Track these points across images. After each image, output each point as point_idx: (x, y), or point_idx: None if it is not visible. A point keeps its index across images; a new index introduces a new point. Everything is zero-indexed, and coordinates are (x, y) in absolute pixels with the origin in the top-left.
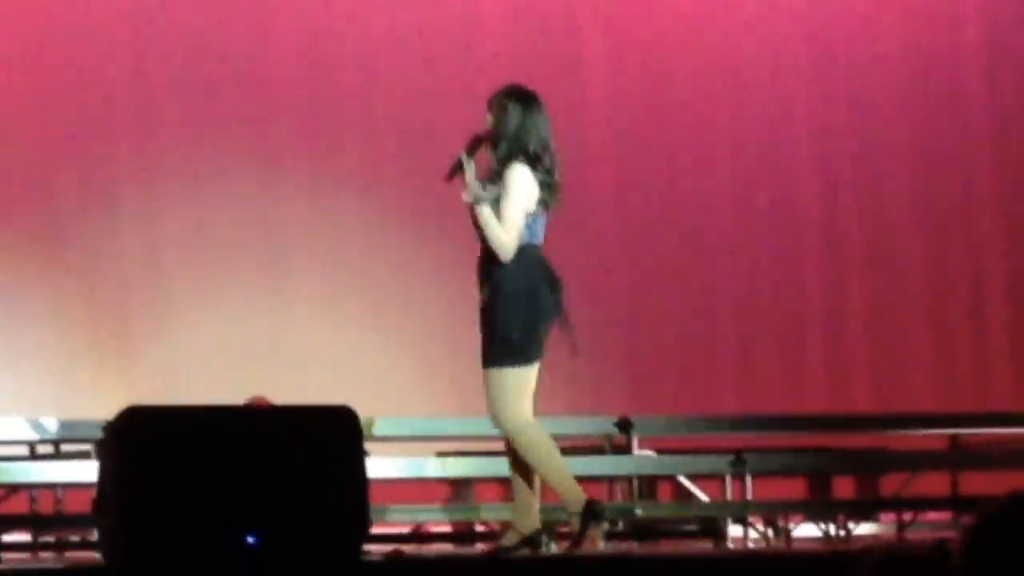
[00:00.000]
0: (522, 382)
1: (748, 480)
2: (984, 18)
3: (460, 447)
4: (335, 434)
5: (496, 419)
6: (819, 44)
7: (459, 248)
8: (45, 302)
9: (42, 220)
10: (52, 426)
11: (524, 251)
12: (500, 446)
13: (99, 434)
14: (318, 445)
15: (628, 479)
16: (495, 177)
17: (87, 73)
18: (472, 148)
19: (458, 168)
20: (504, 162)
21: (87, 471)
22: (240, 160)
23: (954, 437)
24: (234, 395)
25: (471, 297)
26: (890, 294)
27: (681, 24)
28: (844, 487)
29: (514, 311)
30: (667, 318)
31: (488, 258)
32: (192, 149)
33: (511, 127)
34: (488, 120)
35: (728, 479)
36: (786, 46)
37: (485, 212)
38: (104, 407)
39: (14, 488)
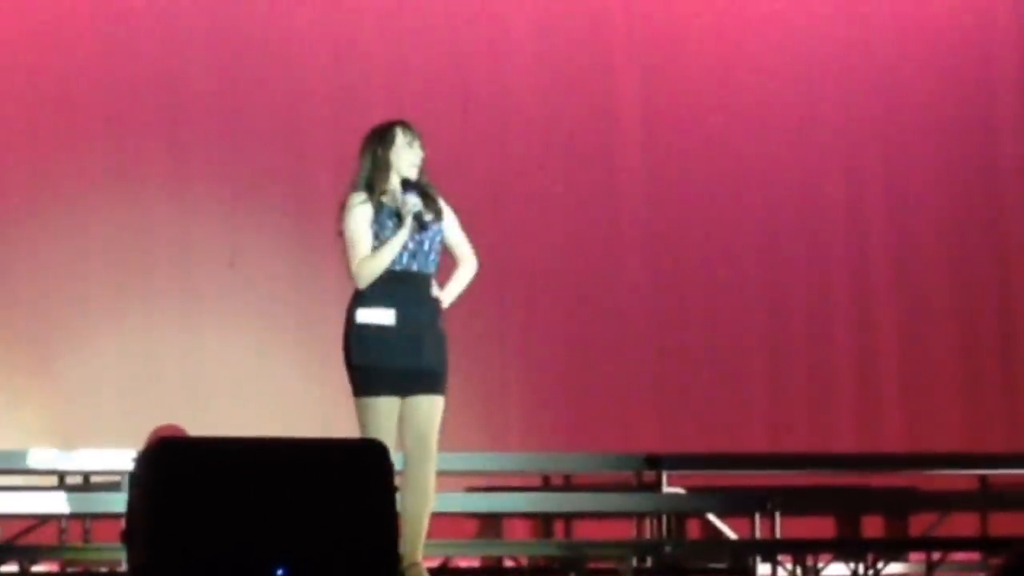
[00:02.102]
0: None
1: (777, 518)
2: (1019, 57)
3: (489, 482)
4: (366, 468)
5: (433, 447)
6: (851, 89)
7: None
8: None
9: None
10: (82, 457)
11: None
12: (529, 482)
13: (129, 465)
14: (349, 478)
15: (657, 516)
16: (421, 220)
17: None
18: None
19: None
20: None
21: (116, 502)
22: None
23: (983, 477)
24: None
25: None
26: (920, 334)
27: (713, 73)
28: (873, 526)
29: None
30: (697, 356)
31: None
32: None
33: None
34: (420, 160)
35: (757, 517)
36: (818, 92)
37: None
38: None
39: (43, 518)
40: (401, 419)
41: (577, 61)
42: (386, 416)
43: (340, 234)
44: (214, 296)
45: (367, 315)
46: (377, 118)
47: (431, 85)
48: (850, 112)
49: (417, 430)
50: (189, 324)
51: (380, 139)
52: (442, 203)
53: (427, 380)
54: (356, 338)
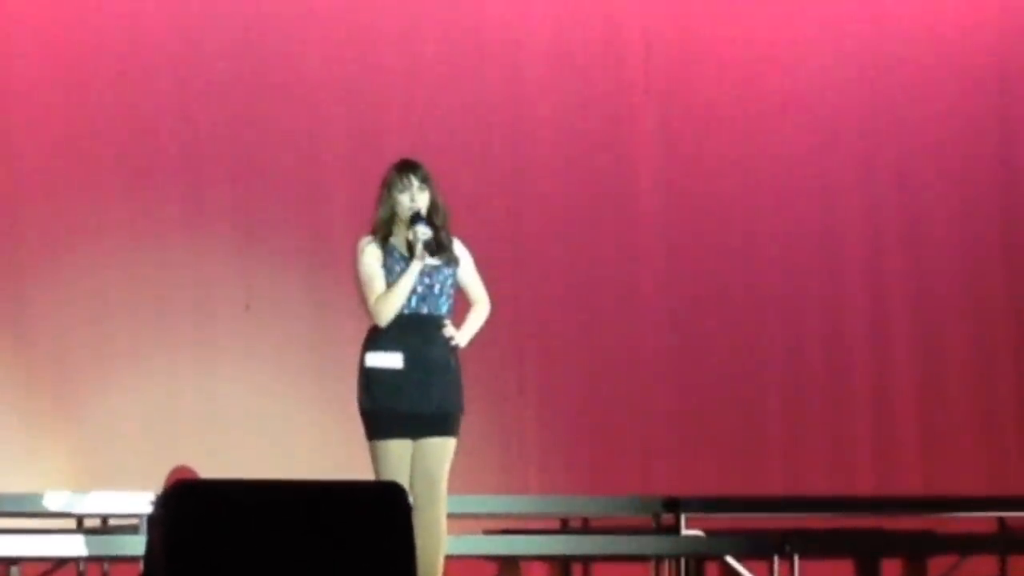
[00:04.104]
0: None
1: (796, 561)
2: None
3: (507, 525)
4: (384, 510)
5: (442, 488)
6: (869, 132)
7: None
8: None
9: None
10: (100, 499)
11: None
12: (547, 525)
13: (147, 508)
14: (367, 521)
15: (676, 559)
16: (432, 247)
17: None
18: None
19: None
20: (448, 233)
21: (135, 545)
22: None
23: (1002, 520)
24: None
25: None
26: (938, 377)
27: (731, 102)
28: (892, 570)
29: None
30: (715, 399)
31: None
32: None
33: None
34: (425, 196)
35: (776, 560)
36: (836, 134)
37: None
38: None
39: (61, 561)
40: (411, 461)
41: (595, 95)
42: (398, 458)
43: (355, 278)
44: (231, 338)
45: (376, 359)
46: (393, 160)
47: (447, 123)
48: (868, 141)
49: (426, 472)
50: (206, 366)
51: (384, 181)
52: (457, 244)
53: (438, 422)
54: (365, 383)
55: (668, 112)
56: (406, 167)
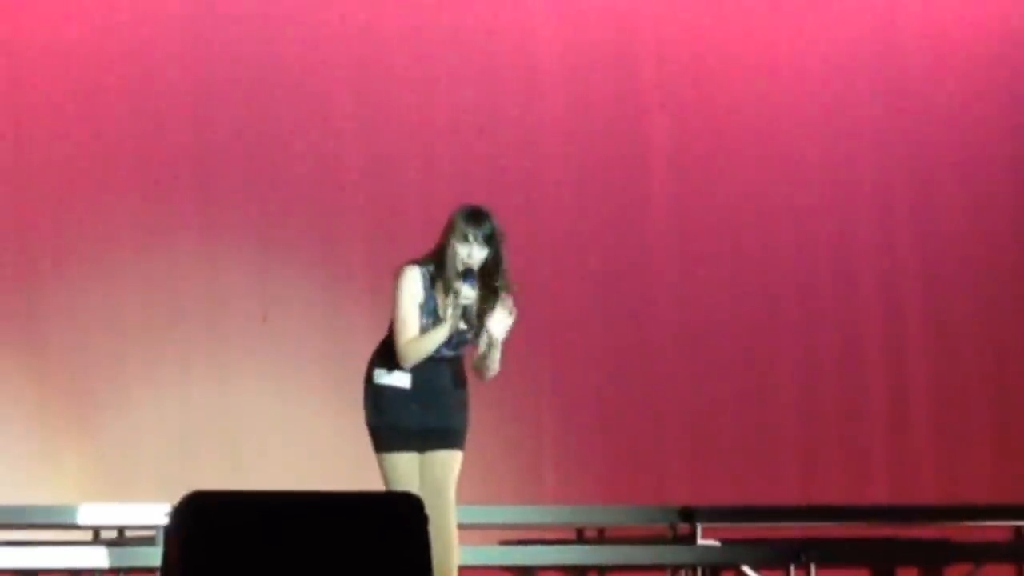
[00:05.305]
0: None
1: (812, 570)
2: None
3: (523, 535)
4: (400, 521)
5: (451, 498)
6: (884, 142)
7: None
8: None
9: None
10: (116, 511)
11: None
12: (563, 535)
13: (164, 519)
14: (383, 532)
15: (692, 568)
16: (470, 318)
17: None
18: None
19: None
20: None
21: (151, 556)
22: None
23: (1018, 529)
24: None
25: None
26: (952, 385)
27: (745, 122)
28: None
29: None
30: (730, 408)
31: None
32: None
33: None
34: (483, 254)
35: (792, 569)
36: (850, 144)
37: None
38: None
39: (78, 573)
40: (419, 473)
41: (608, 104)
42: (407, 472)
43: (392, 299)
44: (247, 351)
45: (384, 376)
46: (408, 174)
47: (461, 134)
48: (883, 151)
49: (434, 483)
50: (222, 378)
51: (448, 222)
52: (501, 308)
53: (444, 436)
54: (373, 399)
55: (681, 123)
56: (473, 218)
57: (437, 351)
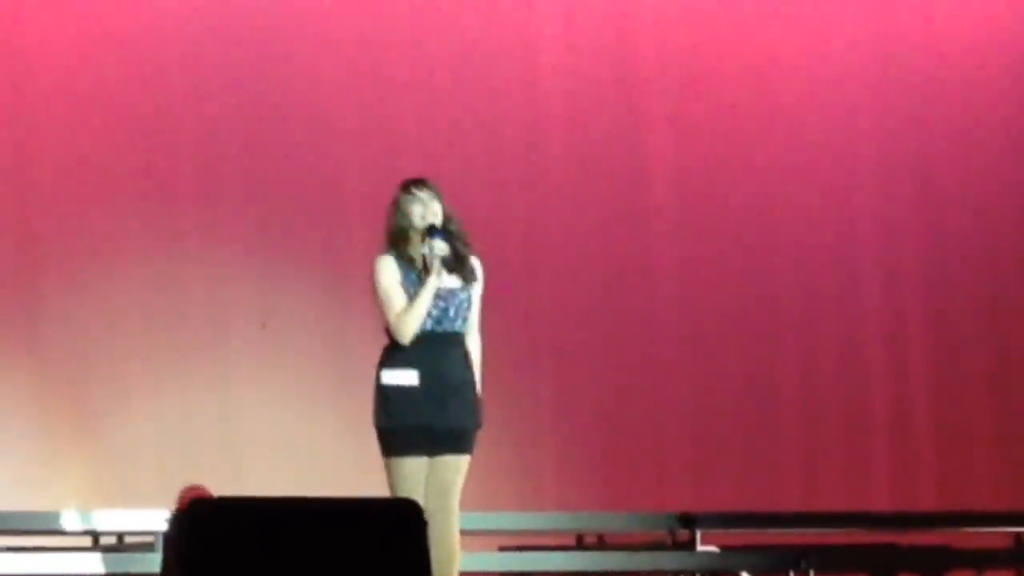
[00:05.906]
0: None
1: None
2: None
3: (523, 542)
4: (400, 527)
5: (454, 504)
6: (886, 143)
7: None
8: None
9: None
10: (115, 517)
11: None
12: (563, 541)
13: (163, 526)
14: (383, 538)
15: (692, 574)
16: (450, 263)
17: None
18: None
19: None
20: (465, 245)
21: (151, 562)
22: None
23: (1018, 535)
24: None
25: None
26: (954, 392)
27: (747, 128)
28: None
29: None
30: (730, 414)
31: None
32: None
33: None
34: (436, 208)
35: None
36: (852, 146)
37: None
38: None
39: None
40: (425, 476)
41: (609, 108)
42: (413, 476)
43: (373, 295)
44: (247, 357)
45: (391, 377)
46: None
47: (461, 140)
48: (885, 153)
49: (439, 487)
50: (223, 384)
51: (393, 200)
52: (475, 262)
53: (453, 440)
54: (381, 400)
55: (682, 127)
56: (413, 182)
57: (439, 324)
